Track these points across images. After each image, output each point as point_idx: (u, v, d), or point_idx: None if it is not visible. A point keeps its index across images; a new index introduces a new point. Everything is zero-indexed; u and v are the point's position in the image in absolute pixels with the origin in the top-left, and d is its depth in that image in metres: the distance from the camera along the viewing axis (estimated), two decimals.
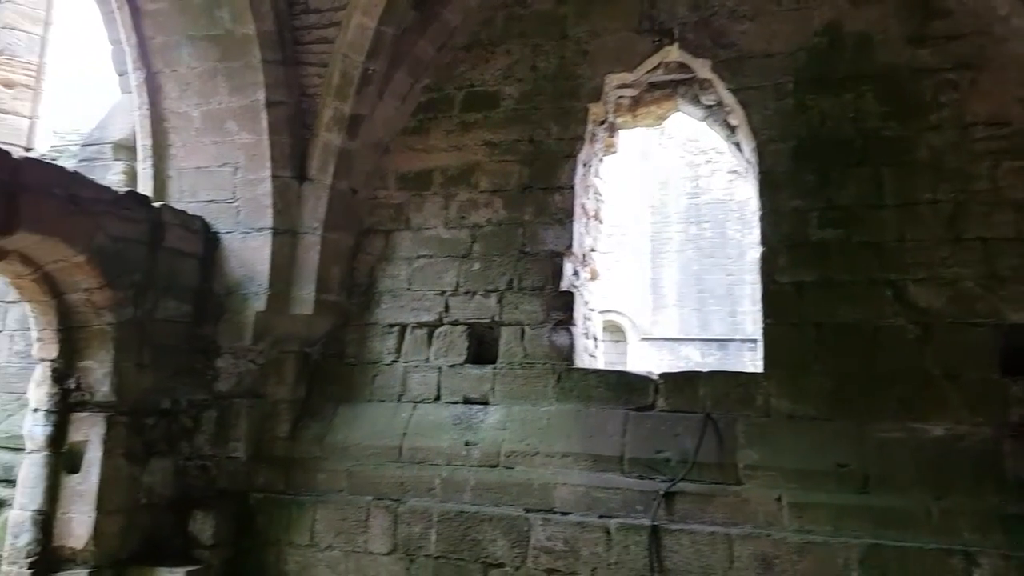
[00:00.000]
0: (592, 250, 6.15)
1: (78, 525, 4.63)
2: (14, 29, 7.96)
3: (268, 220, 5.48)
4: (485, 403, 5.31)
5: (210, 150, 5.66)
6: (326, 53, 5.50)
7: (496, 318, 5.43)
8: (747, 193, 11.26)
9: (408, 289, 5.68)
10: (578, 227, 5.53)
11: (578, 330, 5.44)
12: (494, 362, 5.37)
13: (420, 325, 5.59)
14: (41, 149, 7.93)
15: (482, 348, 5.50)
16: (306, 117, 5.59)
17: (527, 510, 4.82)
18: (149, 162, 5.73)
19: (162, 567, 4.84)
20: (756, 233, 5.16)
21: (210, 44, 5.51)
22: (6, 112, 7.84)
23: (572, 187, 5.46)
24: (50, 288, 4.67)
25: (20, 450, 4.98)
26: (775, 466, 4.51)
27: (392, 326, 5.66)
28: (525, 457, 4.99)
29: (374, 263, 5.82)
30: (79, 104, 6.73)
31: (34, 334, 4.84)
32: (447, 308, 5.54)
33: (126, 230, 4.85)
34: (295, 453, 5.47)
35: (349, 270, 5.81)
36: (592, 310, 6.14)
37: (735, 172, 15.10)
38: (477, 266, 5.53)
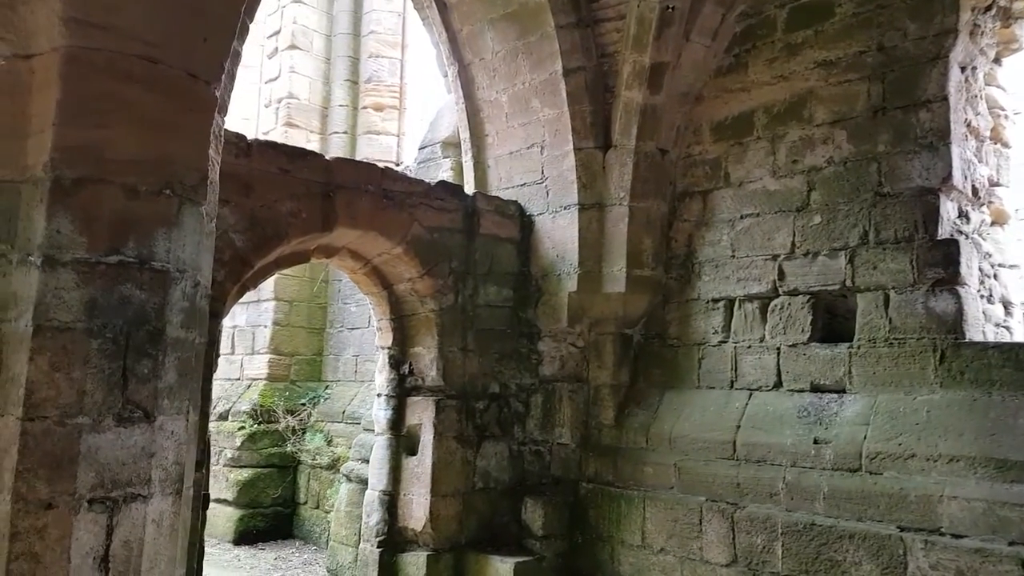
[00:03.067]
0: (994, 184, 4.55)
1: (417, 507, 4.86)
2: (378, 57, 9.05)
3: (574, 196, 5.17)
4: (839, 391, 4.22)
5: (519, 133, 5.56)
6: (623, 3, 4.98)
7: (847, 283, 4.28)
8: None
9: (732, 256, 4.83)
10: (959, 151, 4.07)
11: (970, 292, 4.00)
12: (849, 339, 4.25)
13: (750, 298, 4.71)
14: (407, 161, 8.85)
15: (832, 322, 4.41)
16: (607, 79, 5.15)
17: (901, 528, 3.67)
18: (469, 154, 5.87)
19: (496, 555, 4.84)
20: None
21: (508, 23, 5.41)
22: (378, 133, 8.95)
23: (945, 98, 4.04)
24: (380, 280, 4.99)
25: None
26: None
27: (717, 301, 4.88)
28: (896, 460, 3.81)
29: (691, 230, 5.10)
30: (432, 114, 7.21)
31: (375, 324, 5.25)
32: (782, 275, 4.56)
33: (440, 220, 4.96)
34: (621, 442, 5.05)
35: (663, 241, 5.18)
36: (999, 265, 4.53)
37: None
38: (817, 220, 4.44)
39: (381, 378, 5.11)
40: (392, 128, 8.99)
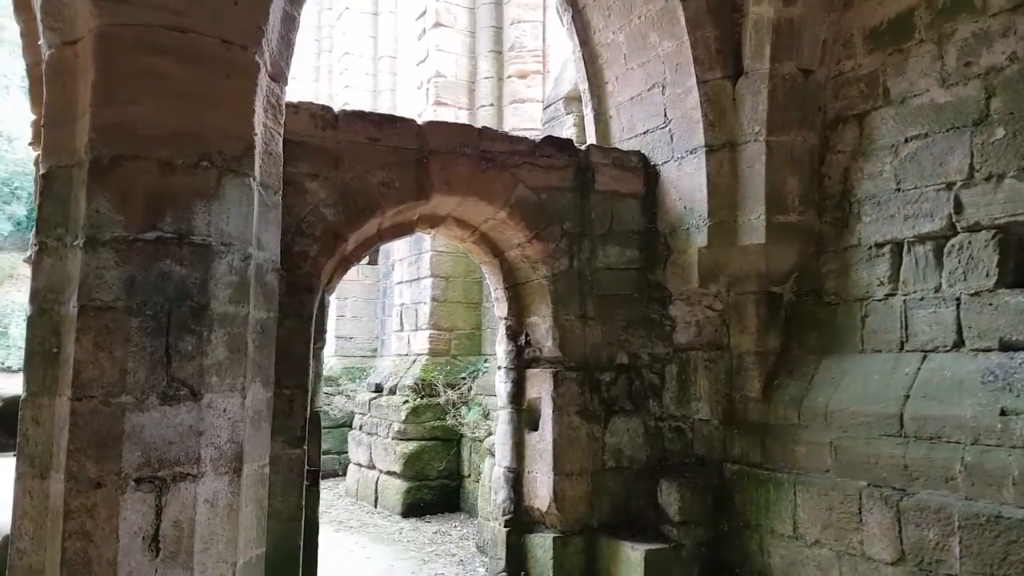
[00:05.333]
0: None
1: (541, 485, 4.55)
2: (519, 22, 8.76)
3: (700, 137, 4.51)
4: None
5: (638, 75, 4.98)
6: None
7: None
8: None
9: (897, 190, 3.91)
10: None
11: None
12: None
13: (920, 238, 3.78)
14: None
15: None
16: None
17: None
18: (590, 106, 5.39)
19: (628, 541, 4.40)
20: None
21: None
22: (522, 101, 8.68)
23: None
24: (490, 248, 4.72)
25: None
26: None
27: (881, 246, 3.99)
28: None
29: (846, 163, 4.21)
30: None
31: (493, 294, 5.00)
32: (959, 207, 3.59)
33: (548, 179, 4.57)
34: (769, 418, 4.35)
35: (813, 178, 4.35)
36: None
37: None
38: (1000, 133, 3.42)
39: (500, 350, 4.86)
40: (536, 95, 8.67)
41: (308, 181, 3.87)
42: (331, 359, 11.97)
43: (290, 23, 3.31)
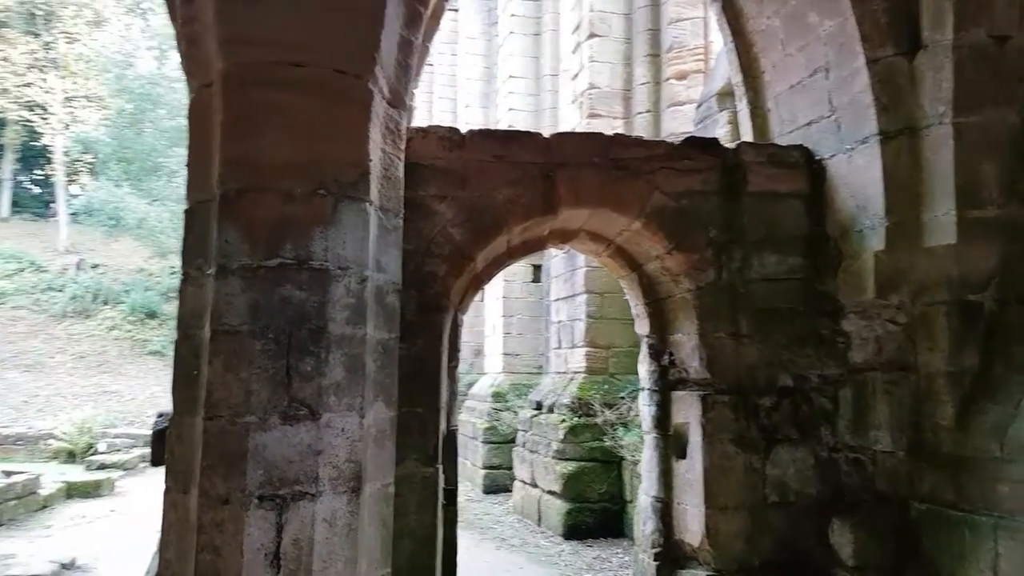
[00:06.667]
0: None
1: (692, 519, 4.19)
2: (678, 21, 8.39)
3: (872, 124, 3.96)
4: None
5: (798, 60, 4.49)
6: None
7: None
8: None
9: None
10: None
11: None
12: None
13: None
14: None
15: None
16: None
17: None
18: (744, 100, 4.96)
19: None
20: None
21: None
22: (681, 104, 8.29)
23: None
24: (626, 261, 4.46)
25: None
26: None
27: None
28: None
29: None
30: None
31: (633, 310, 4.72)
32: None
33: (689, 183, 4.23)
34: (965, 450, 3.67)
35: (1015, 164, 3.63)
36: None
37: None
38: None
39: (643, 370, 4.56)
40: (696, 95, 8.21)
41: (436, 202, 3.87)
42: (499, 375, 12.18)
43: (407, 49, 3.31)
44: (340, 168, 2.94)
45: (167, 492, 2.95)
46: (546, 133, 4.07)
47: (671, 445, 4.37)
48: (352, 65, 2.98)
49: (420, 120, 20.57)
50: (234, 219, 2.83)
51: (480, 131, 4.06)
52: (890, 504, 4.00)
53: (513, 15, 12.68)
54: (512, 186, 3.94)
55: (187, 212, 3.10)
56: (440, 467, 3.80)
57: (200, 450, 2.74)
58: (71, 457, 13.31)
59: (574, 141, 4.08)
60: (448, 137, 3.95)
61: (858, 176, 4.07)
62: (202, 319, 2.90)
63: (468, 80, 15.62)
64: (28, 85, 26.06)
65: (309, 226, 2.86)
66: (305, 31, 2.90)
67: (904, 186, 3.86)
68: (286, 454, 2.72)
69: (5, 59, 25.93)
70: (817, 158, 4.38)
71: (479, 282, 4.24)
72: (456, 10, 17.91)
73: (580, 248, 4.58)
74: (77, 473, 11.46)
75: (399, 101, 3.31)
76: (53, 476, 10.49)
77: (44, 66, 26.73)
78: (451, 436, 4.06)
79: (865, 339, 4.17)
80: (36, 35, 26.94)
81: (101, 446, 13.43)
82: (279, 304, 2.79)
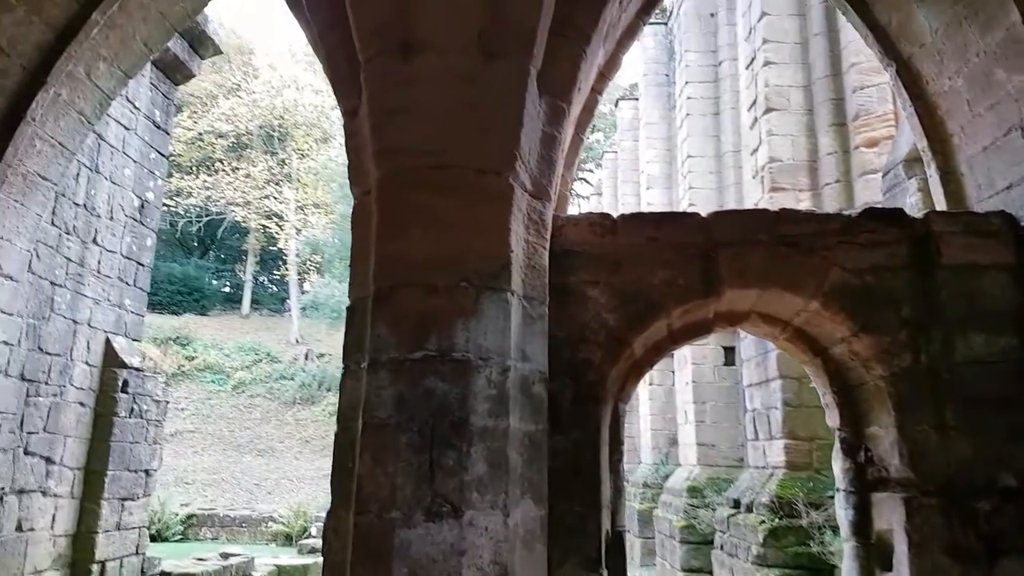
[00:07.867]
0: None
1: None
2: (862, 88, 7.92)
3: None
4: None
5: (988, 119, 4.01)
6: None
7: None
8: None
9: None
10: None
11: None
12: None
13: None
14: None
15: None
16: None
17: None
18: (933, 165, 4.48)
19: None
20: None
21: None
22: (875, 172, 7.69)
23: None
24: (808, 345, 4.06)
25: None
26: None
27: None
28: None
29: None
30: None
31: (821, 399, 4.26)
32: None
33: (872, 258, 3.81)
34: None
35: None
36: None
37: None
38: None
39: (837, 467, 4.05)
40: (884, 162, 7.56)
41: (589, 288, 3.82)
42: (694, 468, 11.53)
43: (550, 143, 3.39)
44: (482, 261, 3.01)
45: None
46: (726, 208, 3.91)
47: (873, 555, 3.79)
48: (492, 163, 3.09)
49: (606, 203, 20.91)
50: (384, 314, 2.98)
51: (632, 215, 4.00)
52: None
53: (690, 98, 12.70)
54: (667, 268, 3.80)
55: (348, 309, 3.32)
56: (605, 572, 3.58)
57: (350, 545, 2.80)
58: (288, 540, 14.36)
59: (734, 219, 3.87)
60: (599, 223, 3.93)
61: None
62: (356, 411, 3.03)
63: (649, 163, 15.75)
64: (267, 197, 30.28)
65: (452, 318, 2.93)
66: (448, 136, 3.08)
67: None
68: (430, 553, 2.70)
69: (247, 176, 30.44)
70: (1023, 224, 3.79)
71: (640, 369, 4.08)
72: (636, 99, 18.34)
73: (753, 331, 4.26)
74: (289, 556, 12.29)
75: (543, 193, 3.36)
76: (267, 559, 11.33)
77: (280, 180, 31.00)
78: (618, 537, 3.84)
79: None
80: (273, 153, 31.46)
81: (313, 529, 14.38)
82: (423, 396, 2.85)
